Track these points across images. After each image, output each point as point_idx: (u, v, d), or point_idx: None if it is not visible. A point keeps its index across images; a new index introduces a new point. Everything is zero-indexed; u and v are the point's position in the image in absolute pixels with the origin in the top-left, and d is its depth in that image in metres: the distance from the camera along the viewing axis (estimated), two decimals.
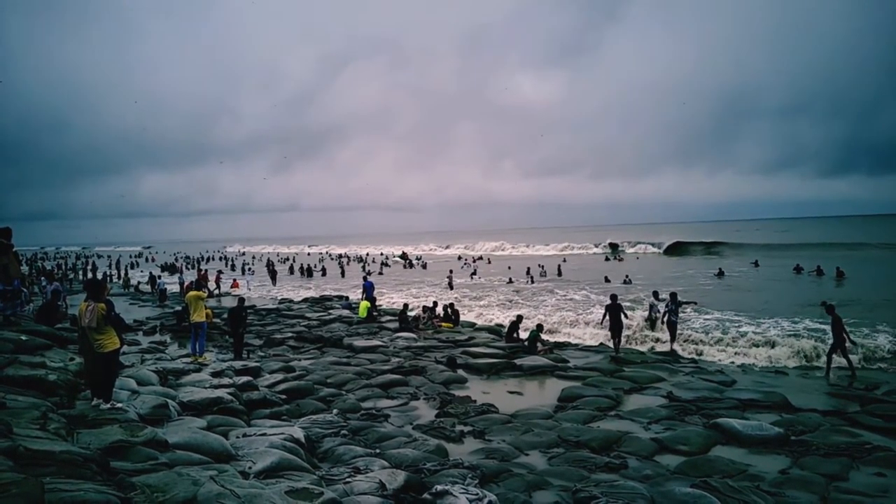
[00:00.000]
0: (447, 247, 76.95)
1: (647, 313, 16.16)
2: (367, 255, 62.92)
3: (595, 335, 16.05)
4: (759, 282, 29.03)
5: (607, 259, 48.84)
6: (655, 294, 16.99)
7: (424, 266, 45.87)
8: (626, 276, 29.76)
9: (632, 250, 58.03)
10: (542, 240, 78.48)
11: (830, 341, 11.80)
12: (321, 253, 75.84)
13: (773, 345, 13.54)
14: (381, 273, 42.44)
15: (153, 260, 67.03)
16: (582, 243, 66.88)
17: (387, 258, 57.37)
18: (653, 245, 58.06)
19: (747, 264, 37.66)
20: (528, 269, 36.29)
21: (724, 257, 45.29)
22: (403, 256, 57.62)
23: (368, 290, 21.28)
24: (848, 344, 11.51)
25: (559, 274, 35.22)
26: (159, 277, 29.83)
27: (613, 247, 60.28)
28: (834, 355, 11.60)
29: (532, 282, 31.41)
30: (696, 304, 18.05)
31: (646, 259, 49.15)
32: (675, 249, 55.15)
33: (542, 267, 36.99)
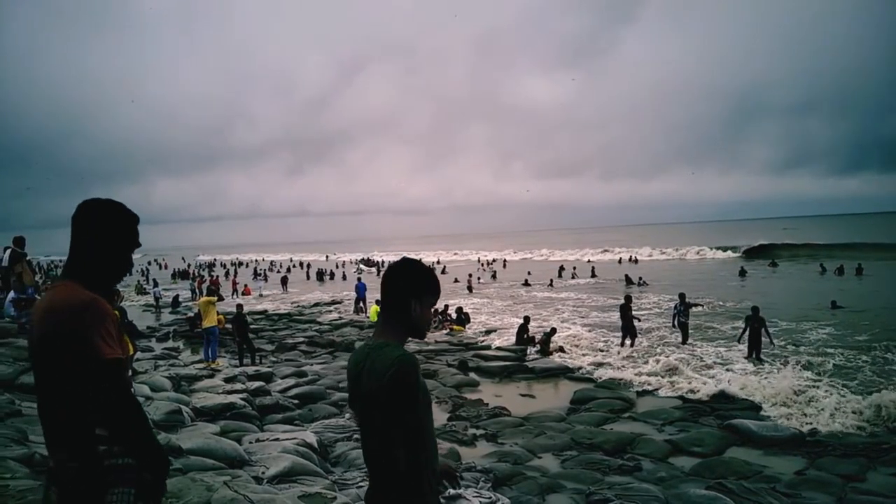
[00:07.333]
0: (472, 252, 75.38)
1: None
2: (383, 260, 61.84)
3: (608, 338, 15.87)
4: (781, 282, 28.81)
5: (620, 262, 48.25)
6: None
7: (443, 271, 45.42)
8: (640, 278, 29.61)
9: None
10: (558, 243, 77.59)
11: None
12: (337, 258, 75.31)
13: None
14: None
15: (165, 266, 66.99)
16: (600, 246, 65.92)
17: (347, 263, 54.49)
18: (724, 250, 50.26)
19: (764, 265, 37.27)
20: (561, 267, 35.71)
21: (748, 258, 44.35)
22: (367, 263, 54.79)
23: (361, 290, 22.02)
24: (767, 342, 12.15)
25: (593, 276, 34.44)
26: (156, 285, 29.83)
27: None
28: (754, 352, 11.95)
29: (552, 284, 31.07)
30: (702, 305, 17.88)
31: (671, 261, 48.40)
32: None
33: (574, 269, 36.81)
